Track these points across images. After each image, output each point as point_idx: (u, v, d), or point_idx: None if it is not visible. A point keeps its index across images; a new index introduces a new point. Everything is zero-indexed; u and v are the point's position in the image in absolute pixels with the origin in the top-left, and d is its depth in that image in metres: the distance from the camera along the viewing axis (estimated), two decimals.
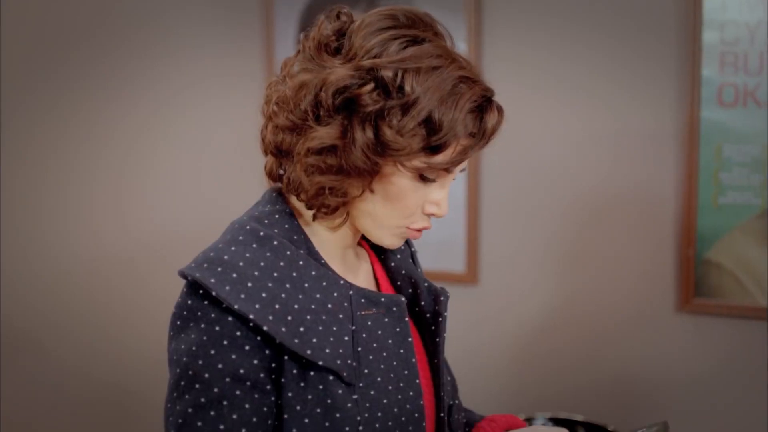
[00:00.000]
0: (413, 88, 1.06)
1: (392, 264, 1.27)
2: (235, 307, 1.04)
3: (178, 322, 1.08)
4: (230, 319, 1.05)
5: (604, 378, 2.19)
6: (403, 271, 1.27)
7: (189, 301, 1.08)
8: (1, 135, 2.75)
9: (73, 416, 2.80)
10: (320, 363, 1.06)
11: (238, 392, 1.05)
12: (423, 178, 1.11)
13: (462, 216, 2.31)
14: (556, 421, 2.11)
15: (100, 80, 2.68)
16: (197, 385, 1.05)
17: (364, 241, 1.28)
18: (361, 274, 1.23)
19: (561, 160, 2.20)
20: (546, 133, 2.20)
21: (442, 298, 1.24)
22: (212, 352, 1.05)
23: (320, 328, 1.08)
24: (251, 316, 1.04)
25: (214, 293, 1.05)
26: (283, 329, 1.06)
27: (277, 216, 1.15)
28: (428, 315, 1.24)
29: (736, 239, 2.03)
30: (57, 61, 2.71)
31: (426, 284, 1.26)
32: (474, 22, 2.22)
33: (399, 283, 1.27)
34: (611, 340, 2.18)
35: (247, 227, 1.13)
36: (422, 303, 1.25)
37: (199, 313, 1.07)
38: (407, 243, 1.33)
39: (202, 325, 1.06)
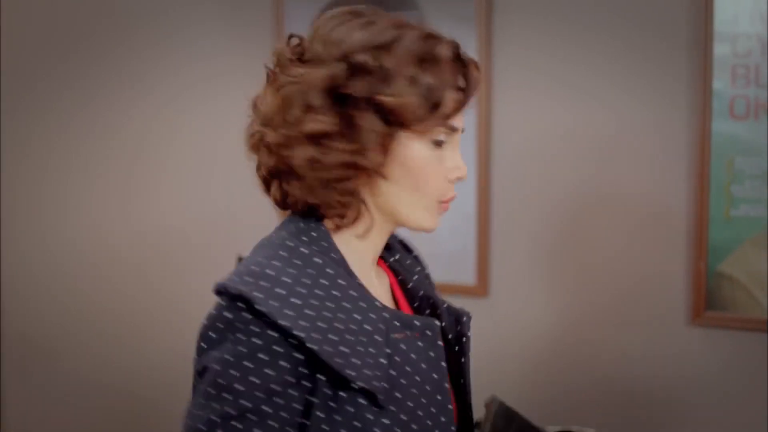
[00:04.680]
0: (390, 61, 1.10)
1: (410, 285, 1.27)
2: (281, 322, 1.03)
3: (213, 335, 1.07)
4: (271, 333, 1.04)
5: (615, 391, 2.18)
6: (422, 292, 1.27)
7: (226, 314, 1.06)
8: (3, 133, 2.75)
9: (81, 422, 2.80)
10: (359, 384, 1.05)
11: (266, 408, 1.04)
12: (436, 143, 1.13)
13: (472, 228, 2.31)
14: None
15: (105, 77, 2.68)
16: (228, 396, 1.04)
17: (381, 261, 1.28)
18: (382, 294, 1.23)
19: (571, 172, 2.20)
20: (556, 143, 2.21)
21: (464, 319, 1.25)
22: (249, 365, 1.04)
23: (360, 348, 1.08)
24: (296, 332, 1.03)
25: (259, 307, 1.04)
26: (327, 348, 1.05)
27: (314, 234, 1.15)
28: (450, 336, 1.24)
29: (748, 252, 2.02)
30: (62, 57, 2.70)
31: (445, 305, 1.25)
32: (485, 31, 2.23)
33: (417, 304, 1.27)
34: (622, 353, 2.17)
35: (289, 243, 1.13)
36: (443, 324, 1.24)
37: (238, 326, 1.05)
38: (420, 264, 1.34)
39: (242, 338, 1.05)
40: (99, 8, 2.66)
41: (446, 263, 2.36)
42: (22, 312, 2.82)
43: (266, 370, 1.04)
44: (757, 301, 2.01)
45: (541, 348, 2.27)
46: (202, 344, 1.08)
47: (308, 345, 1.03)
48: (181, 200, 2.66)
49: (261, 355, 1.04)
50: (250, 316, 1.05)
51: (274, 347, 1.04)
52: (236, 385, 1.04)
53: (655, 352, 2.14)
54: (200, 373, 1.08)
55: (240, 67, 2.52)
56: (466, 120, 1.19)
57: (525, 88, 2.22)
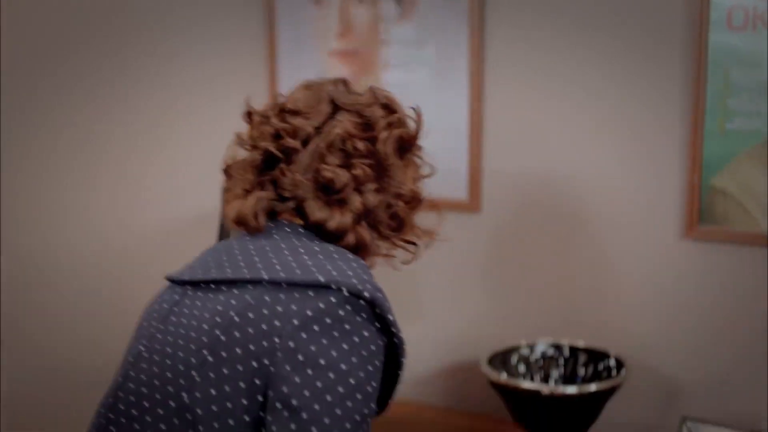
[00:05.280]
0: None
1: None
2: (400, 334, 1.18)
3: (335, 333, 1.12)
4: (380, 343, 1.16)
5: (607, 304, 2.19)
6: None
7: (341, 312, 1.13)
8: (3, 134, 2.73)
9: (77, 415, 2.82)
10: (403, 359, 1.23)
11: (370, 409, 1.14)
12: None
13: (464, 143, 2.29)
14: (558, 347, 2.12)
15: (106, 79, 2.69)
16: (360, 396, 1.10)
17: None
18: None
19: (561, 85, 2.16)
20: (546, 67, 2.17)
21: None
22: (370, 369, 1.13)
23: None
24: (402, 336, 1.19)
25: (390, 318, 1.16)
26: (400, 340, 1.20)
27: (312, 235, 1.28)
28: None
29: (743, 166, 2.00)
30: (62, 58, 2.69)
31: None
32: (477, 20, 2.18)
33: None
34: (615, 267, 2.18)
35: (331, 248, 1.23)
36: None
37: (347, 326, 1.13)
38: None
39: (358, 341, 1.13)
40: (99, 10, 2.63)
41: (438, 179, 2.32)
42: (20, 307, 2.82)
43: (379, 376, 1.15)
44: (750, 216, 2.01)
45: (533, 262, 2.27)
46: (321, 336, 1.11)
47: (404, 348, 1.20)
48: (179, 198, 2.67)
49: (377, 362, 1.15)
50: (361, 319, 1.14)
51: (382, 357, 1.17)
52: (367, 387, 1.11)
53: (647, 265, 2.14)
54: (327, 366, 1.10)
55: (239, 68, 2.52)
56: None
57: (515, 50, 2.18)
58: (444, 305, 2.39)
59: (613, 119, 2.13)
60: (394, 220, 1.32)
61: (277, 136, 1.29)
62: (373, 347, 1.13)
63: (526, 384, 1.86)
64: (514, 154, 2.26)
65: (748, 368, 2.05)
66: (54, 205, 2.78)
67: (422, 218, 1.42)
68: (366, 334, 1.13)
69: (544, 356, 2.12)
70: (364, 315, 1.13)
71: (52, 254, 2.80)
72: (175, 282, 1.29)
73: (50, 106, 2.71)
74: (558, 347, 2.12)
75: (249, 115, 1.36)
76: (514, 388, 1.87)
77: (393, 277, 2.39)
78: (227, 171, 1.35)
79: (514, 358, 2.10)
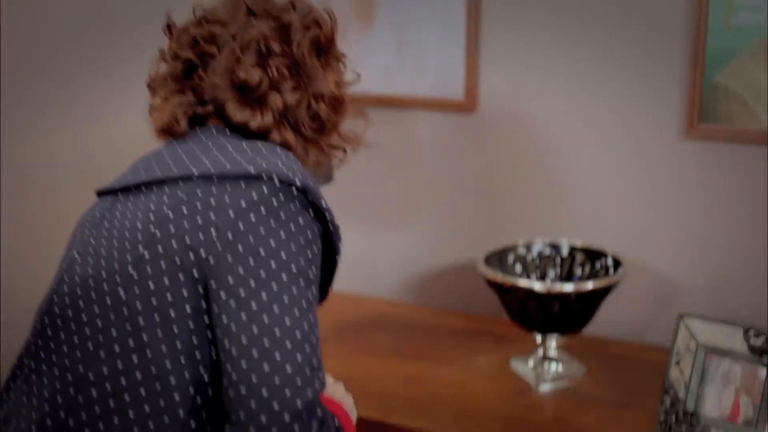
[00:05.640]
0: None
1: None
2: (334, 220, 1.22)
3: (272, 222, 1.15)
4: (316, 230, 1.19)
5: (606, 205, 2.17)
6: None
7: (274, 201, 1.16)
8: (2, 119, 2.66)
9: None
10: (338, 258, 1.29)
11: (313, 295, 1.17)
12: None
13: (461, 39, 2.23)
14: (555, 246, 2.11)
15: (112, 60, 2.59)
16: (303, 283, 1.14)
17: None
18: None
19: None
20: None
21: None
22: (310, 255, 1.16)
23: None
24: (336, 222, 1.23)
25: (323, 205, 1.20)
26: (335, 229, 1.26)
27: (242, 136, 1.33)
28: None
29: (747, 62, 1.95)
30: (59, 50, 2.60)
31: None
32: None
33: None
34: (614, 168, 2.15)
35: (276, 147, 1.27)
36: None
37: (282, 215, 1.16)
38: None
39: (294, 230, 1.16)
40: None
41: (433, 77, 2.29)
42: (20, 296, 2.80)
43: (318, 262, 1.20)
44: (753, 113, 1.97)
45: (529, 162, 2.24)
46: (259, 225, 1.14)
47: (339, 234, 1.25)
48: None
49: (315, 249, 1.19)
50: (296, 209, 1.17)
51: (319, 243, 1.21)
52: (309, 274, 1.15)
53: (647, 166, 2.12)
54: (270, 252, 1.13)
55: None
56: None
57: None
58: (440, 206, 2.37)
59: (611, 16, 2.08)
60: (315, 122, 1.34)
61: (194, 44, 1.32)
62: (309, 234, 1.17)
63: (523, 282, 1.85)
64: (513, 51, 2.20)
65: (747, 266, 2.04)
66: (55, 197, 2.76)
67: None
68: (301, 221, 1.16)
69: (540, 256, 2.11)
70: (297, 203, 1.17)
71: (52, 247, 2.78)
72: (107, 193, 1.33)
73: (50, 99, 2.66)
74: (555, 247, 2.11)
75: (169, 28, 1.38)
76: (510, 287, 1.86)
77: (390, 178, 2.39)
78: (150, 86, 1.38)
79: (510, 258, 2.09)
